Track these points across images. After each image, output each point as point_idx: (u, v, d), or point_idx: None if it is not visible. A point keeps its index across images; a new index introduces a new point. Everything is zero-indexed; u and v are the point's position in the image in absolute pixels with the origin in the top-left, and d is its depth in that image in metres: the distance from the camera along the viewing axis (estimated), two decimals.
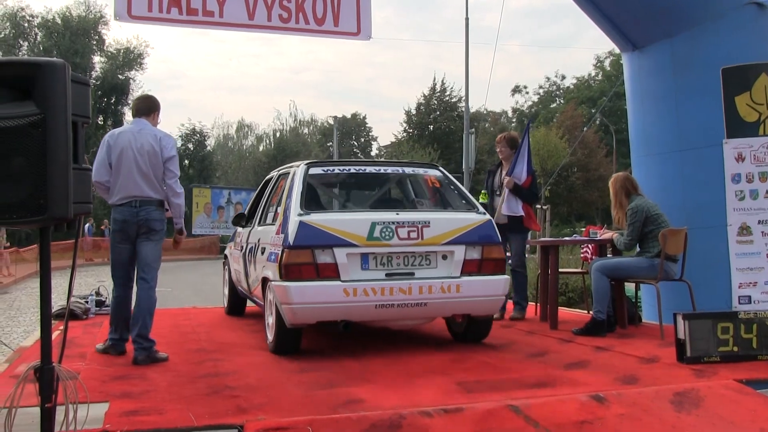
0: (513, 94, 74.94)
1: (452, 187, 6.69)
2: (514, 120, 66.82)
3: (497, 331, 6.84)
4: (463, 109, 33.82)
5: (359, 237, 5.80)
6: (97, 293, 8.73)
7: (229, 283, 8.43)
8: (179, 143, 50.12)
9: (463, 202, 6.48)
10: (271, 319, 6.10)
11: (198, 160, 51.67)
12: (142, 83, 61.20)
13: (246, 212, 7.82)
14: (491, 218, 6.29)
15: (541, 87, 69.63)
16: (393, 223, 5.93)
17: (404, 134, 52.67)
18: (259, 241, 6.72)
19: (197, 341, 6.57)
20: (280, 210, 6.26)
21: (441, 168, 6.92)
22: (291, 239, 5.73)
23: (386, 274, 5.86)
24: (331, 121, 49.90)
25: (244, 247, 7.42)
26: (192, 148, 52.62)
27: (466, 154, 24.86)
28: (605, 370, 5.01)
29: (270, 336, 6.10)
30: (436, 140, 49.39)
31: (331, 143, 61.90)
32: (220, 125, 67.13)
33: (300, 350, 5.93)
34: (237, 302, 8.34)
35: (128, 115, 47.71)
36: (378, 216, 5.98)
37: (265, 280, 6.21)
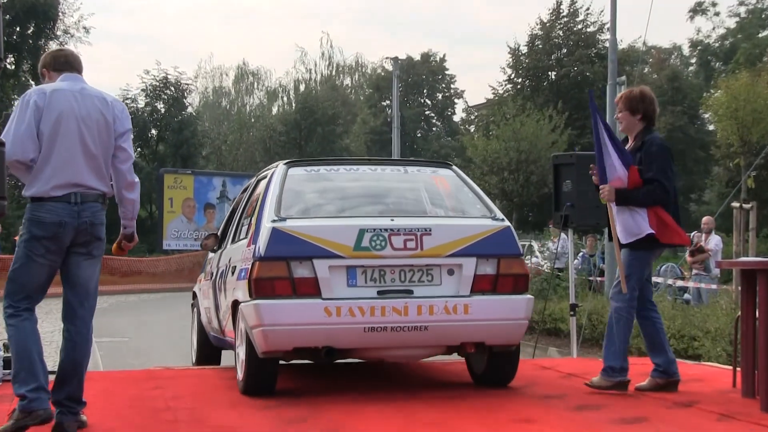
0: (691, 18, 52.18)
1: (467, 189, 6.66)
2: (693, 59, 52.46)
3: (650, 410, 5.79)
4: (607, 44, 22.46)
5: (344, 247, 5.82)
6: (5, 347, 6.99)
7: (199, 329, 8.37)
8: (141, 102, 44.41)
9: (478, 206, 6.43)
10: (241, 352, 6.19)
11: (172, 130, 43.10)
12: (78, 3, 51.79)
13: (219, 232, 7.79)
14: (510, 225, 6.21)
15: (742, 3, 48.52)
16: (386, 230, 5.91)
17: (508, 86, 42.71)
18: (230, 260, 6.76)
19: (174, 428, 5.42)
20: (254, 220, 6.31)
21: (455, 168, 6.94)
22: (262, 250, 5.83)
23: (378, 292, 5.86)
24: (388, 67, 45.02)
25: (215, 274, 7.45)
26: (162, 110, 44.40)
27: (611, 117, 17.87)
28: None
29: (240, 373, 6.21)
30: (561, 95, 38.34)
31: (387, 101, 56.76)
32: (209, 73, 59.97)
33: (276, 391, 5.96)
34: (210, 354, 8.26)
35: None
36: (367, 222, 5.98)
37: (235, 305, 6.28)
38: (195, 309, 8.61)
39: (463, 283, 5.97)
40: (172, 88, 44.41)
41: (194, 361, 8.54)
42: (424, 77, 60.59)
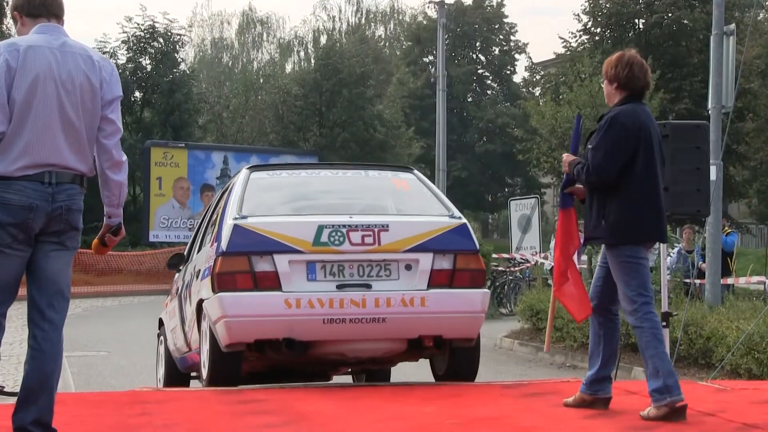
0: None
1: (426, 190, 8.14)
2: None
3: None
4: None
5: (304, 242, 7.23)
6: None
7: (166, 359, 9.62)
8: (122, 57, 44.05)
9: (436, 206, 7.86)
10: (205, 348, 7.61)
11: (161, 92, 42.96)
12: None
13: (186, 251, 9.15)
14: (466, 222, 7.66)
15: None
16: (344, 226, 7.30)
17: (584, 38, 41.76)
18: (195, 267, 8.21)
19: None
20: (217, 223, 7.71)
21: (417, 172, 8.50)
22: (224, 245, 7.22)
23: (337, 286, 7.29)
24: (432, 14, 44.95)
25: (181, 287, 8.84)
26: (148, 68, 44.32)
27: (716, 77, 16.53)
28: None
29: (204, 371, 7.61)
30: (651, 50, 37.38)
31: (430, 57, 56.59)
32: (206, 21, 60.22)
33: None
34: (178, 382, 9.34)
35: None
36: (326, 219, 7.42)
37: (200, 305, 7.66)
38: (161, 338, 10.00)
39: (420, 277, 7.43)
40: (161, 40, 44.10)
41: (164, 382, 9.77)
42: (476, 27, 60.39)
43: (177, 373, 9.45)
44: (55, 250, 5.23)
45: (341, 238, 7.33)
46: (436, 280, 7.43)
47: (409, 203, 8.25)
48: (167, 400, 7.69)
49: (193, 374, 9.44)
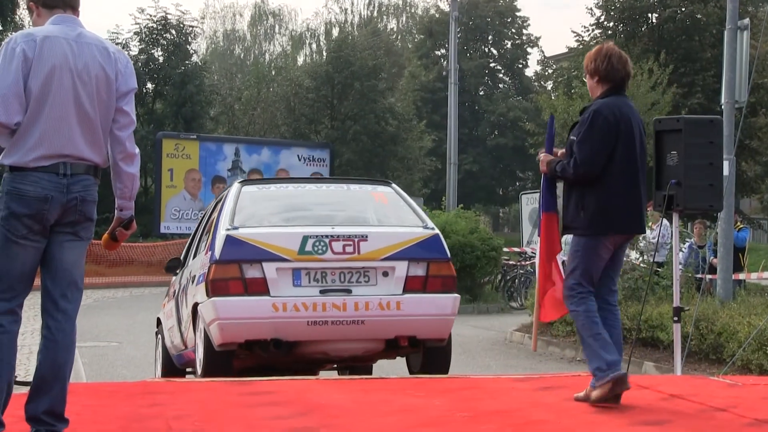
0: None
1: (403, 203, 8.96)
2: None
3: None
4: None
5: (290, 251, 7.96)
6: None
7: (163, 355, 10.24)
8: (134, 49, 44.35)
9: (411, 217, 8.68)
10: (200, 347, 8.36)
11: (173, 84, 43.32)
12: None
13: (182, 256, 9.91)
14: (438, 233, 8.40)
15: None
16: (327, 236, 8.05)
17: (596, 32, 41.30)
18: (191, 273, 8.95)
19: None
20: (211, 233, 8.50)
21: (394, 185, 9.31)
22: (218, 254, 7.98)
23: (320, 291, 8.03)
24: (444, 7, 45.00)
25: (177, 291, 9.61)
26: (161, 60, 44.56)
27: (730, 72, 16.05)
28: None
29: (199, 368, 8.35)
30: (664, 44, 37.82)
31: (442, 50, 56.59)
32: (218, 13, 60.19)
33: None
34: (173, 374, 9.87)
35: None
36: (310, 229, 8.18)
37: (195, 309, 8.42)
38: (158, 336, 10.66)
39: (396, 283, 8.20)
40: (173, 32, 44.35)
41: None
42: (488, 20, 60.32)
43: (174, 369, 10.07)
44: (70, 241, 5.24)
45: (324, 248, 8.08)
46: (411, 285, 8.21)
47: (387, 215, 8.99)
48: (179, 391, 7.73)
49: (189, 369, 9.93)
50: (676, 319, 9.69)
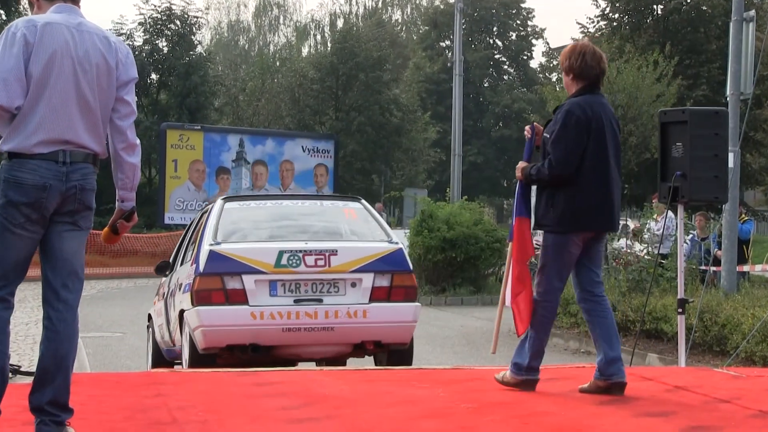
0: None
1: (371, 218, 9.78)
2: None
3: None
4: None
5: (267, 264, 8.80)
6: None
7: (154, 348, 10.98)
8: (139, 39, 44.35)
9: (378, 232, 9.53)
10: (186, 348, 9.13)
11: (177, 75, 43.38)
12: None
13: (171, 259, 10.78)
14: (402, 247, 9.28)
15: None
16: (300, 251, 8.90)
17: (601, 23, 41.18)
18: (178, 280, 9.74)
19: None
20: (196, 245, 9.30)
21: (363, 201, 10.14)
22: (201, 267, 8.80)
23: (294, 300, 8.85)
24: None
25: (166, 293, 10.38)
26: (165, 50, 44.53)
27: (735, 64, 15.66)
28: None
29: (185, 367, 9.08)
30: (669, 36, 37.69)
31: (447, 41, 56.77)
32: (223, 4, 60.21)
33: None
34: (163, 366, 10.44)
35: None
36: (286, 245, 9.02)
37: (181, 314, 9.21)
38: (150, 329, 11.38)
39: (363, 293, 9.02)
40: (178, 22, 44.33)
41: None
42: (493, 12, 60.29)
43: (163, 360, 10.69)
44: (69, 230, 5.22)
45: (298, 261, 8.92)
46: (376, 295, 9.04)
47: (356, 230, 9.84)
48: (183, 382, 7.75)
49: (177, 362, 10.35)
50: (680, 310, 9.68)
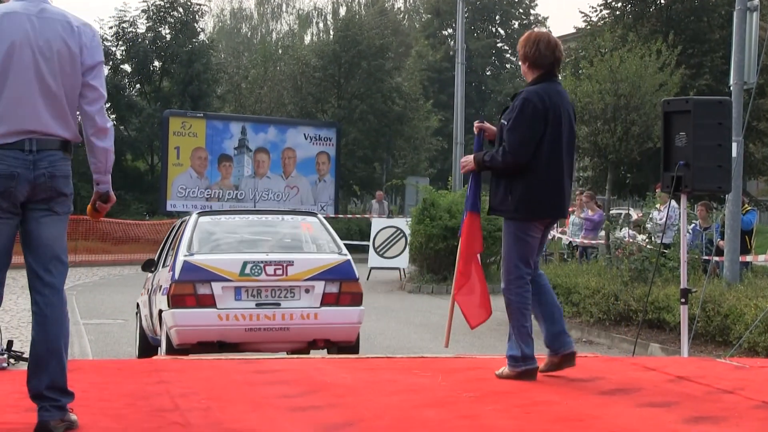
0: None
1: (324, 231, 11.19)
2: None
3: None
4: None
5: (232, 273, 10.15)
6: None
7: (140, 334, 12.16)
8: (142, 27, 44.26)
9: (330, 245, 10.95)
10: (164, 342, 10.38)
11: (180, 62, 43.50)
12: None
13: (156, 257, 12.15)
14: (350, 258, 10.66)
15: None
16: (262, 262, 10.25)
17: (604, 12, 40.55)
18: (158, 282, 11.00)
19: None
20: (174, 253, 10.68)
21: (319, 216, 11.75)
22: (177, 275, 10.13)
23: (256, 304, 10.19)
24: None
25: (150, 290, 11.58)
26: (168, 38, 44.67)
27: (739, 53, 15.60)
28: None
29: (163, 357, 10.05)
30: (672, 25, 37.28)
31: (449, 30, 56.74)
32: None
33: None
34: (148, 350, 11.53)
35: None
36: (249, 256, 10.38)
37: (160, 313, 10.46)
38: (138, 317, 12.48)
39: (315, 298, 10.33)
40: (180, 10, 44.31)
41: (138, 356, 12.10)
42: (496, 0, 60.11)
43: (149, 345, 11.64)
44: (45, 216, 5.23)
45: (259, 270, 10.20)
46: (327, 300, 10.33)
47: (311, 242, 11.25)
48: (185, 369, 7.77)
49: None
50: (683, 300, 9.68)
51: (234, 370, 7.64)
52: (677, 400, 6.45)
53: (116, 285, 24.20)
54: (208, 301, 10.05)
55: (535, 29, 7.32)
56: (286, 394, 6.59)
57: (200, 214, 11.29)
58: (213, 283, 10.08)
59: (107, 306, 18.79)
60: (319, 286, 10.32)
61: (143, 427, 5.55)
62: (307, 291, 10.33)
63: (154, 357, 9.86)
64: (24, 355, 9.27)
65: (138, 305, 12.62)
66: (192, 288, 10.05)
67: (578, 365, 7.36)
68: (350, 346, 10.61)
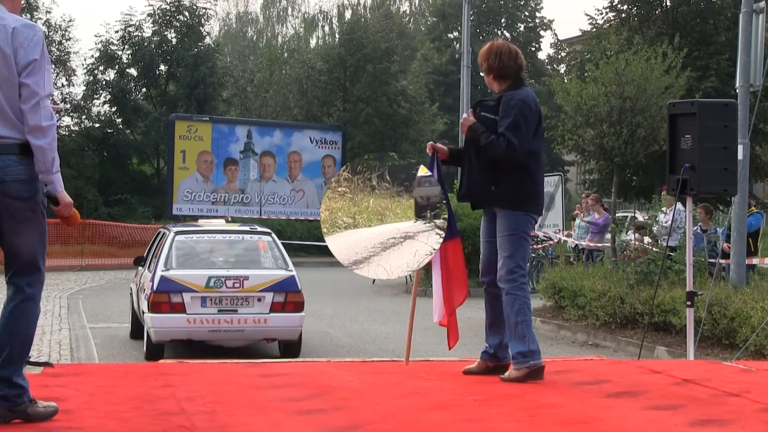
0: None
1: (276, 249, 13.85)
2: None
3: None
4: None
5: (199, 286, 12.70)
6: None
7: (132, 313, 14.87)
8: (148, 30, 44.34)
9: (279, 261, 13.57)
10: (145, 340, 13.12)
11: (186, 66, 43.51)
12: None
13: (145, 254, 14.90)
14: (294, 273, 13.27)
15: None
16: (223, 276, 12.85)
17: (610, 15, 40.88)
18: (143, 282, 13.68)
19: None
20: (154, 265, 13.27)
21: (273, 235, 14.41)
22: (155, 286, 12.67)
23: (218, 311, 12.77)
24: None
25: (138, 284, 14.29)
26: (174, 41, 44.69)
27: (745, 55, 15.77)
28: None
29: (144, 349, 13.18)
30: (678, 27, 37.72)
31: (455, 33, 56.73)
32: None
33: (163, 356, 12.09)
34: (139, 327, 13.92)
35: None
36: (213, 272, 12.97)
37: (142, 313, 13.14)
38: (131, 296, 15.08)
39: (265, 306, 12.86)
40: (186, 14, 44.16)
41: (130, 333, 14.97)
42: (501, 3, 60.10)
43: (140, 324, 13.76)
44: (9, 223, 5.32)
45: (221, 283, 12.70)
46: (275, 308, 12.87)
47: (263, 259, 13.73)
48: (191, 372, 7.75)
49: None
50: (689, 303, 9.66)
51: (240, 373, 7.63)
52: (683, 403, 6.44)
53: (122, 289, 24.10)
54: (180, 308, 12.52)
55: (495, 41, 7.39)
56: (291, 397, 6.59)
57: (177, 232, 13.85)
58: (184, 294, 12.56)
59: (113, 310, 18.81)
60: (269, 297, 12.84)
61: (149, 431, 5.54)
62: (259, 300, 12.85)
63: (160, 361, 9.77)
64: (30, 359, 9.24)
65: (131, 288, 15.48)
66: (167, 297, 12.53)
67: (584, 368, 7.35)
68: (293, 343, 13.20)
